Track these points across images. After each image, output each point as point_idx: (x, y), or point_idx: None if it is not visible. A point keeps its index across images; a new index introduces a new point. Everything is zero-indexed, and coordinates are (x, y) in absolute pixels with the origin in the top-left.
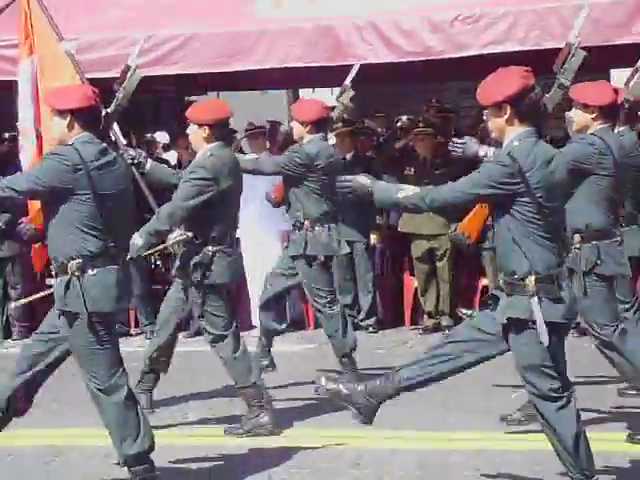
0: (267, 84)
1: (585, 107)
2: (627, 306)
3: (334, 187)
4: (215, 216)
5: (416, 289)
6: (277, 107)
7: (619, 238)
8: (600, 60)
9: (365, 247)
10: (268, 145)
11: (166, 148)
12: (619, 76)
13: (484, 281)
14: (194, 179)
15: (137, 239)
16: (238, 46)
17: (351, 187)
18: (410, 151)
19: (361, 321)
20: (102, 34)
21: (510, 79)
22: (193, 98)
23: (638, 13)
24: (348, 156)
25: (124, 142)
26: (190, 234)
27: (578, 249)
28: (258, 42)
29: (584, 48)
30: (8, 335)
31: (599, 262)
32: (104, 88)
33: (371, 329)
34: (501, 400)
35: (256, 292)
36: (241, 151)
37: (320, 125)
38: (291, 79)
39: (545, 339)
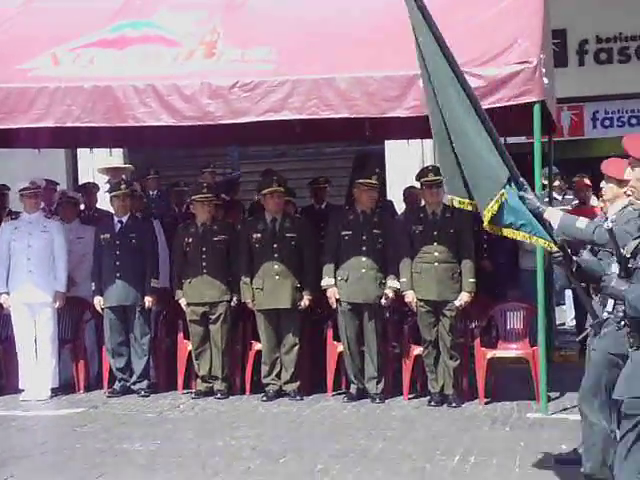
0: (44, 143)
1: None
2: None
3: None
4: None
5: (190, 352)
6: (55, 166)
7: None
8: (376, 132)
9: (140, 310)
10: (43, 205)
11: None
12: (393, 147)
13: (258, 346)
14: None
15: None
16: (14, 103)
17: None
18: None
19: (133, 384)
20: None
21: None
22: None
23: (410, 88)
24: (124, 218)
25: None
26: None
27: None
28: (35, 100)
29: (362, 119)
30: None
31: None
32: None
33: (143, 392)
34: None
35: (27, 355)
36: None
37: None
38: (69, 138)
39: None
